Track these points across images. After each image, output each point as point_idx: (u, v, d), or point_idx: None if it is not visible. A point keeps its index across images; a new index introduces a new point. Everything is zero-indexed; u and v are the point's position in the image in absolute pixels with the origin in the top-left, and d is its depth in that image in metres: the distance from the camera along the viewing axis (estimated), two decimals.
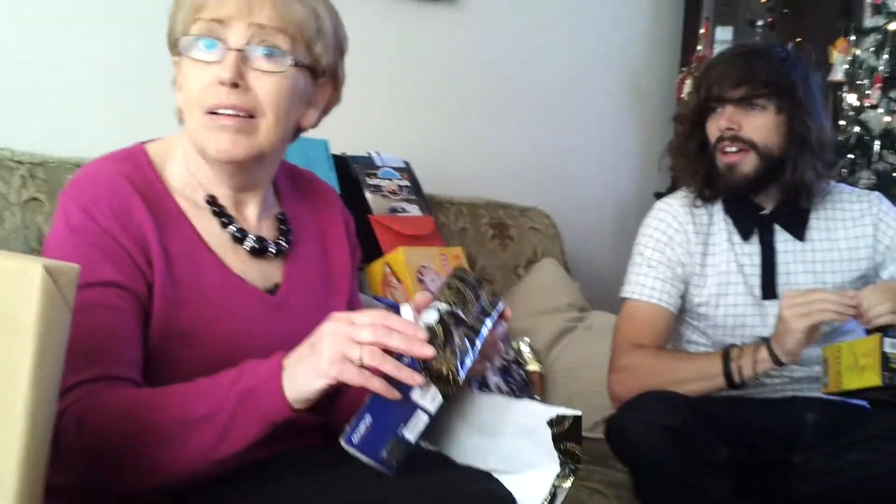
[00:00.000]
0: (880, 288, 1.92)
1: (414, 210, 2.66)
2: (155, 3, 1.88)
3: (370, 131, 2.69)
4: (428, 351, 1.13)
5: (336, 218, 1.56)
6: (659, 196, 3.04)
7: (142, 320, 1.27)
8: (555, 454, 1.20)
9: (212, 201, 1.39)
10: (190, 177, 1.39)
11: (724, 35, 3.64)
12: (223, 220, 1.39)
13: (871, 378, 1.82)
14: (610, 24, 3.51)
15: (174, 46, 1.35)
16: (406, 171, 2.73)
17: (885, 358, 1.81)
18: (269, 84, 1.32)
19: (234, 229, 1.38)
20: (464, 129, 3.07)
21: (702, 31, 3.50)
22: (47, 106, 2.24)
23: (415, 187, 2.72)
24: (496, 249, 2.87)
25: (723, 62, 2.10)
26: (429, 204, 2.73)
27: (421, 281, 2.45)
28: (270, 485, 1.24)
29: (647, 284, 2.11)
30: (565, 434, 1.20)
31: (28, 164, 2.05)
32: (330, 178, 2.47)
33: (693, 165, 2.13)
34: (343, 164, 2.60)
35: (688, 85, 3.46)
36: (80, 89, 2.30)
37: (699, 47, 3.47)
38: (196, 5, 1.31)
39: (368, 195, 2.60)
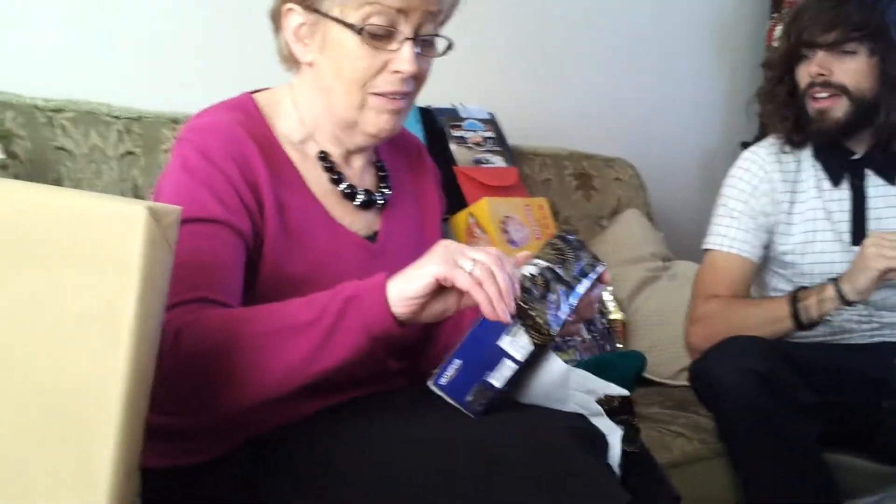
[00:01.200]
0: None
1: (498, 161, 2.67)
2: None
3: (455, 83, 2.69)
4: (512, 304, 1.16)
5: (426, 170, 1.61)
6: (746, 146, 2.99)
7: (244, 258, 1.30)
8: (613, 424, 1.23)
9: (324, 157, 1.42)
10: (302, 129, 1.42)
11: None
12: (334, 176, 1.43)
13: None
14: None
15: (311, 9, 1.35)
16: (490, 122, 2.74)
17: None
18: (427, 66, 1.39)
19: (345, 186, 1.43)
20: (548, 80, 3.06)
21: None
22: (144, 61, 2.29)
23: (499, 138, 2.73)
24: (580, 200, 2.87)
25: (812, 6, 2.04)
26: (513, 155, 2.74)
27: (505, 231, 2.47)
28: (360, 421, 1.27)
29: (728, 235, 2.10)
30: (616, 410, 1.23)
31: (125, 119, 2.10)
32: (416, 130, 2.50)
33: (782, 111, 2.10)
34: (428, 116, 2.62)
35: (778, 31, 3.39)
36: (176, 45, 2.33)
37: None
38: None
39: (453, 146, 2.62)
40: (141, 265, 0.97)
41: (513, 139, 2.76)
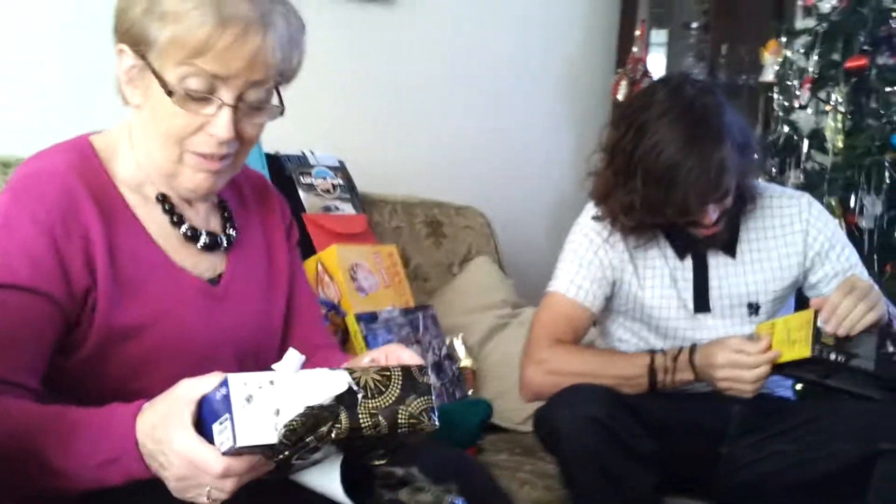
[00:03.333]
0: (844, 293, 1.86)
1: (347, 208, 2.66)
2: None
3: (304, 129, 2.67)
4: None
5: (272, 205, 1.58)
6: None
7: (53, 329, 1.25)
8: None
9: (163, 199, 1.38)
10: (139, 172, 1.38)
11: (659, 38, 3.70)
12: (174, 218, 1.39)
13: (802, 350, 1.84)
14: (546, 24, 3.52)
15: (135, 44, 1.29)
16: (340, 169, 2.73)
17: (817, 332, 1.83)
18: (255, 127, 1.34)
19: (186, 228, 1.39)
20: (399, 128, 3.08)
21: (637, 32, 3.53)
22: None
23: (349, 186, 2.71)
24: (430, 248, 2.87)
25: (697, 174, 1.87)
26: (363, 202, 2.73)
27: (354, 279, 2.45)
28: None
29: (574, 282, 2.11)
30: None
31: None
32: None
33: (633, 225, 2.05)
34: (276, 163, 2.58)
35: (623, 86, 3.50)
36: (10, 86, 2.26)
37: (634, 49, 3.51)
38: (195, 49, 1.25)
39: (302, 194, 2.59)
40: None
41: (363, 186, 2.75)
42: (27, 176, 1.30)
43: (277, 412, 1.01)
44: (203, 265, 1.41)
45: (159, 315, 1.32)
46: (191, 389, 1.09)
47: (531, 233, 3.42)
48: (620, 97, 3.48)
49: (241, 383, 1.01)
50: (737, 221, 2.11)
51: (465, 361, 2.54)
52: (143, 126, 1.34)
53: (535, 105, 3.53)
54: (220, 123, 1.29)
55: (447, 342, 2.52)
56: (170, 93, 1.27)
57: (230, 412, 1.00)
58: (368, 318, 2.36)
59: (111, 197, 1.34)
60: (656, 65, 3.65)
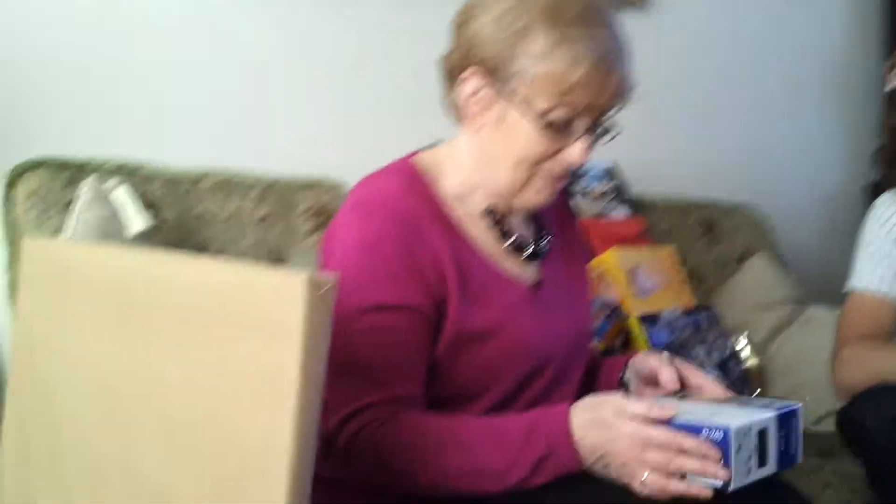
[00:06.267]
0: None
1: (622, 211, 2.67)
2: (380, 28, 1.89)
3: None
4: (722, 474, 1.18)
5: (570, 216, 1.64)
6: (868, 190, 2.95)
7: (428, 338, 1.34)
8: None
9: (490, 212, 1.44)
10: (463, 187, 1.43)
11: None
12: (502, 230, 1.45)
13: None
14: (811, 14, 3.41)
15: (492, 72, 1.33)
16: (612, 173, 2.74)
17: None
18: (596, 145, 1.41)
19: (514, 239, 1.45)
20: (669, 128, 3.04)
21: None
22: (280, 128, 2.37)
23: (621, 189, 2.72)
24: (704, 248, 2.84)
25: None
26: (636, 204, 2.74)
27: (633, 282, 2.46)
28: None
29: (875, 274, 2.03)
30: None
31: (261, 185, 2.19)
32: None
33: None
34: None
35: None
36: (312, 112, 2.40)
37: None
38: (570, 86, 1.30)
39: (576, 200, 2.63)
40: (302, 332, 1.00)
41: (636, 187, 2.76)
42: (368, 198, 1.37)
43: (749, 458, 1.21)
44: (526, 273, 1.46)
45: (501, 322, 1.38)
46: (624, 404, 1.23)
47: (806, 228, 3.29)
48: (894, 84, 3.30)
49: (737, 436, 1.18)
50: None
51: (751, 360, 2.50)
52: (488, 149, 1.39)
53: (802, 97, 3.41)
54: (578, 151, 1.35)
55: (731, 340, 2.49)
56: (544, 125, 1.32)
57: (727, 459, 1.18)
58: (650, 320, 2.37)
59: (442, 212, 1.40)
60: None
